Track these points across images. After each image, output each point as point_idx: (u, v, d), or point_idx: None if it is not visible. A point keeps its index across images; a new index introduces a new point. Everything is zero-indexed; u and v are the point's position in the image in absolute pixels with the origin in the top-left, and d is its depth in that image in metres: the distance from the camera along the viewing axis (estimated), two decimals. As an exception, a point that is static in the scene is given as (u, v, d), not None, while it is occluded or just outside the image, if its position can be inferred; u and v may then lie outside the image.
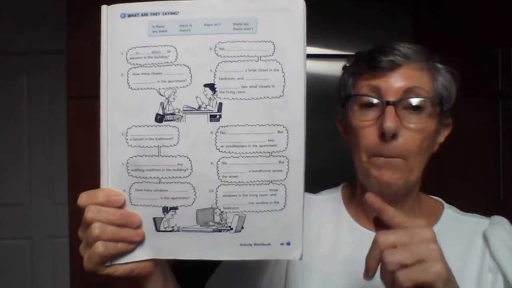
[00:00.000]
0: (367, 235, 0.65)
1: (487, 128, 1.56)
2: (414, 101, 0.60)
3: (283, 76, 0.46)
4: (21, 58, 2.15)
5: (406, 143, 0.60)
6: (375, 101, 0.61)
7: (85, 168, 1.43)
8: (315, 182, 0.74)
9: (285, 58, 0.46)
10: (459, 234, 0.67)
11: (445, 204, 0.72)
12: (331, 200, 0.73)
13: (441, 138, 0.67)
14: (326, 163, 1.11)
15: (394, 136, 0.59)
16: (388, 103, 0.60)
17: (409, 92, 0.61)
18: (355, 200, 0.71)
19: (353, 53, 0.70)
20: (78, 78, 1.41)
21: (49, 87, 2.16)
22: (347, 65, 0.69)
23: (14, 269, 2.18)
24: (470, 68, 1.55)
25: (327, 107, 0.75)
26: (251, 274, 0.68)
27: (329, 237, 0.68)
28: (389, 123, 0.58)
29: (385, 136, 0.59)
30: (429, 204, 0.71)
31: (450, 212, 0.70)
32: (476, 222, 0.69)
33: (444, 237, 0.64)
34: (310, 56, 1.42)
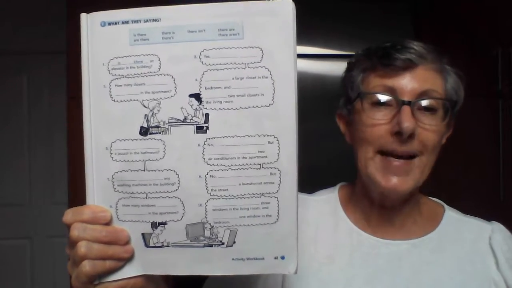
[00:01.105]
0: (366, 239, 0.65)
1: (487, 128, 1.56)
2: (430, 103, 0.60)
3: (273, 83, 0.43)
4: (21, 58, 2.15)
5: (422, 141, 0.59)
6: (389, 100, 0.60)
7: (85, 168, 1.43)
8: (314, 182, 0.75)
9: (275, 64, 0.43)
10: (460, 237, 0.66)
11: (446, 206, 0.71)
12: (328, 201, 0.71)
13: (444, 139, 0.66)
14: (325, 163, 1.11)
15: (410, 135, 0.58)
16: (404, 102, 0.59)
17: (424, 94, 0.60)
18: (353, 201, 0.70)
19: (353, 53, 0.69)
20: (78, 78, 1.41)
21: (49, 87, 2.16)
22: (353, 61, 0.67)
23: (14, 269, 2.18)
24: (470, 68, 1.55)
25: (327, 107, 0.74)
26: (245, 280, 0.66)
27: (327, 240, 0.66)
28: (408, 123, 0.57)
29: (401, 136, 0.58)
30: (429, 206, 0.70)
31: (451, 215, 0.69)
32: (478, 226, 0.68)
33: (445, 240, 0.65)
34: (310, 56, 1.42)
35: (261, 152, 0.44)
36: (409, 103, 0.59)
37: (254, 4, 0.43)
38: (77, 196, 1.41)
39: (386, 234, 0.66)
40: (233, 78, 0.44)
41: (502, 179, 1.55)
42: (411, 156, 0.60)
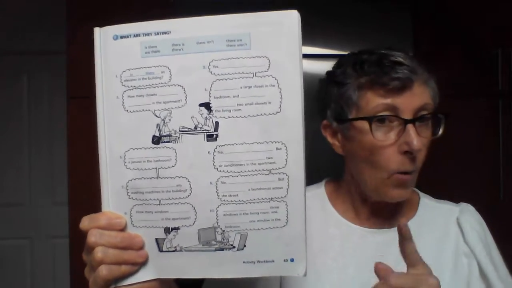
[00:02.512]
0: (355, 230, 0.70)
1: (487, 128, 1.56)
2: (427, 117, 0.64)
3: (280, 91, 0.45)
4: (21, 58, 2.15)
5: (423, 155, 0.64)
6: (393, 120, 0.63)
7: (85, 168, 1.43)
8: (317, 179, 0.77)
9: (281, 73, 0.45)
10: (435, 222, 0.72)
11: (421, 194, 0.76)
12: (315, 197, 0.75)
13: None
14: (326, 164, 1.11)
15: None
16: (407, 121, 0.62)
17: (421, 109, 0.63)
18: (341, 196, 0.74)
19: (347, 55, 0.70)
20: (78, 78, 1.41)
21: (49, 87, 2.15)
22: (339, 73, 0.68)
23: (14, 269, 2.18)
24: (470, 68, 1.55)
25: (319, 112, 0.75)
26: (246, 280, 0.68)
27: (318, 233, 0.70)
28: (417, 143, 0.61)
29: (412, 154, 0.62)
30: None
31: (426, 201, 0.74)
32: (449, 209, 0.73)
33: (422, 225, 0.70)
34: (310, 56, 1.41)
35: (269, 158, 0.45)
36: (411, 120, 0.62)
37: (261, 15, 0.45)
38: (77, 196, 1.41)
39: (374, 224, 0.70)
40: (241, 87, 0.45)
41: (502, 179, 1.55)
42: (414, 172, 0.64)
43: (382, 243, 0.69)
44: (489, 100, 1.56)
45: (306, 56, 1.43)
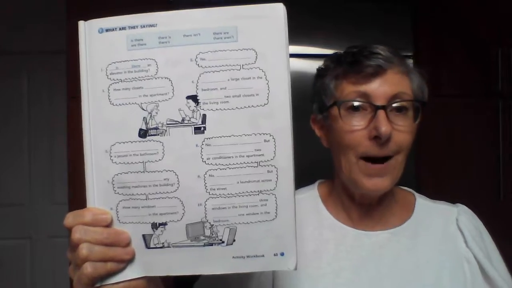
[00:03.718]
0: (349, 232, 0.69)
1: (487, 128, 1.56)
2: (401, 104, 0.63)
3: (267, 83, 0.45)
4: (21, 58, 2.15)
5: (398, 143, 0.63)
6: (364, 106, 0.63)
7: (84, 169, 1.42)
8: (308, 178, 0.76)
9: (268, 65, 0.45)
10: (432, 223, 0.71)
11: (416, 194, 0.75)
12: (308, 199, 0.74)
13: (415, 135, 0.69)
14: (321, 163, 1.11)
15: (388, 138, 0.62)
16: (378, 107, 0.62)
17: (395, 97, 0.63)
18: (334, 198, 0.73)
19: (332, 54, 0.71)
20: (78, 78, 1.41)
21: (49, 87, 2.16)
22: (323, 67, 0.71)
23: (14, 269, 2.18)
24: (470, 68, 1.55)
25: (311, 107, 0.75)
26: (241, 276, 0.67)
27: (312, 235, 0.69)
28: (385, 127, 0.60)
29: (380, 139, 0.61)
30: (402, 195, 0.74)
31: (422, 202, 0.74)
32: (446, 210, 0.72)
33: (419, 226, 0.70)
34: (310, 56, 1.41)
35: (257, 150, 0.45)
36: (383, 107, 0.62)
37: (247, 8, 0.45)
38: (77, 196, 1.41)
39: (367, 226, 0.70)
40: (228, 80, 0.45)
41: (502, 179, 1.55)
42: (387, 157, 0.63)
43: (376, 245, 0.68)
44: (489, 100, 1.57)
45: (306, 56, 1.43)
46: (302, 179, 0.73)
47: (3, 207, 2.18)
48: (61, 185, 1.84)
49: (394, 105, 0.63)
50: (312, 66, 1.42)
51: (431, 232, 0.69)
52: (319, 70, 0.72)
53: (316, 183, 0.78)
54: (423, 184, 1.35)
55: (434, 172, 1.45)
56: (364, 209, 0.70)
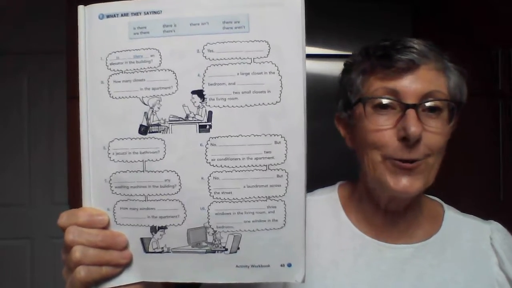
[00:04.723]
0: (369, 243, 0.64)
1: (487, 128, 1.56)
2: (435, 104, 0.58)
3: (280, 79, 0.41)
4: (21, 58, 2.15)
5: (428, 145, 0.57)
6: (393, 104, 0.58)
7: (81, 169, 1.42)
8: (315, 183, 0.74)
9: (282, 59, 0.41)
10: (460, 238, 0.65)
11: (445, 206, 0.70)
12: (328, 201, 0.69)
13: (449, 137, 0.64)
14: (327, 165, 1.11)
15: (417, 140, 0.56)
16: (408, 106, 0.57)
17: (428, 96, 0.58)
18: (355, 202, 0.68)
19: (361, 47, 0.66)
20: (77, 78, 1.41)
21: (49, 87, 2.16)
22: (351, 61, 0.65)
23: (14, 269, 2.18)
24: (470, 68, 1.55)
25: (327, 108, 0.74)
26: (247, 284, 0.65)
27: (329, 244, 0.64)
28: (414, 128, 0.55)
29: (408, 141, 0.56)
30: (429, 206, 0.69)
31: (451, 215, 0.68)
32: (478, 226, 0.67)
33: (446, 242, 0.64)
34: (310, 56, 1.41)
35: (267, 152, 0.42)
36: (414, 106, 0.56)
37: None
38: (77, 196, 1.41)
39: (390, 238, 0.64)
40: (238, 74, 0.41)
41: (502, 179, 1.56)
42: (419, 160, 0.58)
43: (398, 260, 0.62)
44: (489, 100, 1.57)
45: (306, 56, 1.43)
46: (314, 186, 0.69)
47: (3, 207, 2.18)
48: (61, 185, 1.84)
49: (426, 104, 0.57)
50: (311, 66, 1.43)
51: (459, 249, 0.64)
52: (345, 64, 0.66)
53: (337, 185, 0.72)
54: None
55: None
56: (389, 217, 0.64)
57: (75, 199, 1.42)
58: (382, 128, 0.58)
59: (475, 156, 1.54)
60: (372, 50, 0.61)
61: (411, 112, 0.56)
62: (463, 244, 0.65)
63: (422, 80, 0.57)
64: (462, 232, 0.66)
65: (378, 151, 0.58)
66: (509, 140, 1.57)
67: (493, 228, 0.66)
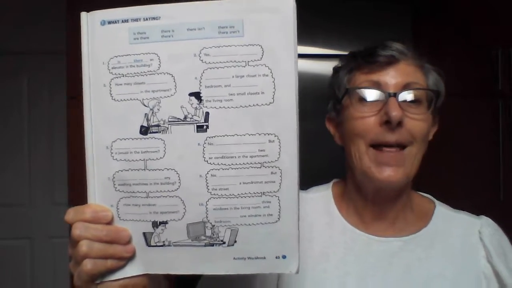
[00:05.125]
0: (359, 236, 0.67)
1: (487, 128, 1.56)
2: (414, 93, 0.63)
3: (273, 81, 0.43)
4: (21, 58, 2.15)
5: (412, 129, 0.62)
6: (376, 94, 0.63)
7: (85, 168, 1.42)
8: (312, 182, 0.75)
9: (275, 62, 0.43)
10: (450, 233, 0.68)
11: (437, 202, 0.72)
12: (321, 199, 0.72)
13: (430, 136, 0.68)
14: (324, 165, 1.11)
15: (399, 124, 0.61)
16: (389, 94, 0.62)
17: (407, 87, 0.63)
18: (346, 198, 0.71)
19: (347, 53, 0.71)
20: (78, 78, 1.41)
21: (49, 87, 2.16)
22: (339, 65, 0.71)
23: (14, 269, 2.18)
24: (470, 68, 1.55)
25: (326, 107, 0.75)
26: (243, 276, 0.65)
27: (321, 237, 0.67)
28: (395, 112, 0.60)
29: (390, 124, 0.60)
30: (420, 202, 0.72)
31: (442, 210, 0.71)
32: (468, 221, 0.69)
33: (435, 236, 0.67)
34: (310, 56, 1.42)
35: (261, 151, 0.44)
36: (394, 94, 0.62)
37: (255, 1, 0.43)
38: (77, 196, 1.41)
39: (379, 230, 0.67)
40: (233, 76, 0.43)
41: (502, 179, 1.56)
42: (401, 147, 0.62)
43: (387, 253, 0.65)
44: (489, 100, 1.57)
45: (306, 56, 1.43)
46: (310, 183, 0.73)
47: (3, 207, 2.18)
48: (61, 185, 1.84)
49: (406, 93, 0.62)
50: (311, 66, 1.43)
51: (448, 243, 0.66)
52: (334, 68, 0.72)
53: (331, 183, 0.76)
54: (423, 184, 1.35)
55: (434, 172, 1.45)
56: (377, 209, 0.67)
57: (75, 199, 1.42)
58: (366, 115, 0.63)
59: (475, 156, 1.54)
60: (358, 52, 0.67)
61: (392, 99, 0.62)
62: (453, 239, 0.67)
63: (401, 73, 0.64)
64: (452, 227, 0.68)
65: (362, 139, 0.63)
66: (509, 140, 1.57)
67: (483, 223, 0.68)
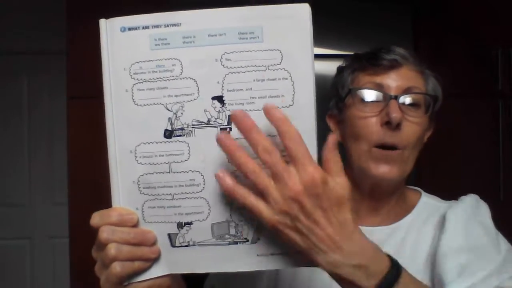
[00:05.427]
0: None
1: (487, 128, 1.56)
2: (413, 97, 0.68)
3: (292, 84, 0.45)
4: (21, 58, 2.15)
5: (408, 133, 0.66)
6: (378, 96, 0.67)
7: (85, 168, 1.43)
8: None
9: (293, 66, 0.45)
10: (433, 220, 0.70)
11: (424, 194, 0.76)
12: None
13: (425, 138, 0.72)
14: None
15: (398, 125, 0.65)
16: (391, 97, 0.66)
17: (408, 90, 0.67)
18: None
19: (352, 53, 0.74)
20: (78, 78, 1.41)
21: (49, 87, 2.16)
22: (343, 65, 0.74)
23: (14, 269, 2.18)
24: (470, 68, 1.55)
25: (327, 107, 0.76)
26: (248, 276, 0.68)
27: None
28: (396, 114, 0.64)
29: (391, 125, 0.64)
30: (409, 195, 0.75)
31: (426, 200, 0.74)
32: (449, 207, 0.70)
33: (418, 223, 0.70)
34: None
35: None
36: (395, 97, 0.66)
37: (273, 8, 0.44)
38: (77, 197, 1.41)
39: (372, 222, 0.71)
40: (254, 80, 0.45)
41: (502, 179, 1.56)
42: (398, 149, 0.66)
43: (378, 240, 0.66)
44: (489, 100, 1.57)
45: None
46: None
47: (3, 207, 2.18)
48: (61, 186, 1.84)
49: (407, 97, 0.67)
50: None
51: (428, 228, 0.69)
52: (338, 68, 0.76)
53: None
54: (423, 184, 1.35)
55: (434, 172, 1.45)
56: (373, 204, 0.71)
57: (75, 200, 1.42)
58: (368, 115, 0.67)
59: (475, 156, 1.54)
60: (362, 54, 0.72)
61: (393, 102, 0.66)
62: (434, 224, 0.69)
63: (403, 77, 0.68)
64: (435, 215, 0.70)
65: (365, 141, 0.66)
66: (509, 140, 1.57)
67: (453, 206, 0.69)
